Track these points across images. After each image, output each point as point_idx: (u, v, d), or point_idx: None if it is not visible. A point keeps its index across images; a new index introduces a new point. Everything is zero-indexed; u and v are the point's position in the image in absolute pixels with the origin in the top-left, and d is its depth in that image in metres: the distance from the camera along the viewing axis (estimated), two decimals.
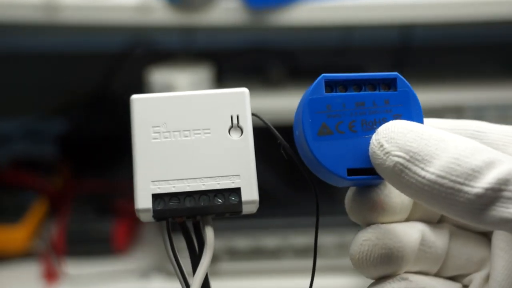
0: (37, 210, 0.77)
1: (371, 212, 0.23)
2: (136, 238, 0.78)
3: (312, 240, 0.27)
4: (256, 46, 0.88)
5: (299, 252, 0.70)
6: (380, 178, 0.22)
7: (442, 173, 0.20)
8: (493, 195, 0.20)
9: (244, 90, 0.25)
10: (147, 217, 0.24)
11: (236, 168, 0.24)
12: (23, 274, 0.71)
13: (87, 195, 0.80)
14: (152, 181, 0.23)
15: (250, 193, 0.24)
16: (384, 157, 0.21)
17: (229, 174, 0.24)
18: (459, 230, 0.25)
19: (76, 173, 0.86)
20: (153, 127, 0.23)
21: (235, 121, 0.24)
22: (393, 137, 0.21)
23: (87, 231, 0.73)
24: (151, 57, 0.73)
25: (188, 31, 0.83)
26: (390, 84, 0.23)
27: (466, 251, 0.25)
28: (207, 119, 0.24)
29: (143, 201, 0.23)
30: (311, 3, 0.64)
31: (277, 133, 0.25)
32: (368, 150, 0.22)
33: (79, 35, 0.91)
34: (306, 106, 0.23)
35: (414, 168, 0.21)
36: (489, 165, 0.20)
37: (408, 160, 0.21)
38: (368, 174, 0.22)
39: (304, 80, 0.75)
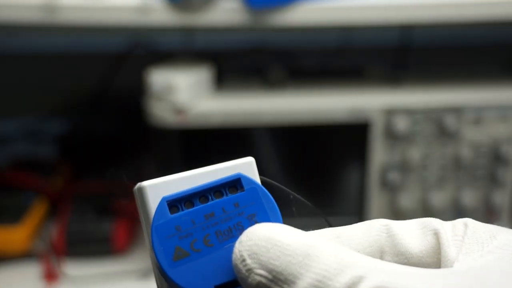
0: (37, 211, 0.77)
1: None
2: (136, 238, 0.78)
3: None
4: (256, 46, 0.88)
5: None
6: None
7: None
8: None
9: (250, 160, 0.24)
10: None
11: None
12: (23, 274, 0.71)
13: (87, 195, 0.80)
14: None
15: None
16: (247, 273, 0.21)
17: None
18: None
19: (76, 174, 0.86)
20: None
21: None
22: (255, 252, 0.21)
23: (87, 232, 0.73)
24: (151, 57, 0.73)
25: (188, 31, 0.83)
26: (236, 185, 0.23)
27: None
28: None
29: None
30: (311, 3, 0.63)
31: (288, 190, 0.24)
32: (231, 260, 0.21)
33: (79, 35, 0.91)
34: (154, 234, 0.22)
35: None
36: (351, 286, 0.19)
37: (271, 280, 0.20)
38: (237, 285, 0.22)
39: (304, 80, 0.75)
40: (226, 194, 0.23)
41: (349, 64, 0.82)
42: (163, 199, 0.22)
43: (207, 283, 0.21)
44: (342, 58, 0.88)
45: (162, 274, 0.22)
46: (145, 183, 0.23)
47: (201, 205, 0.22)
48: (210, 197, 0.23)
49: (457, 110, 0.69)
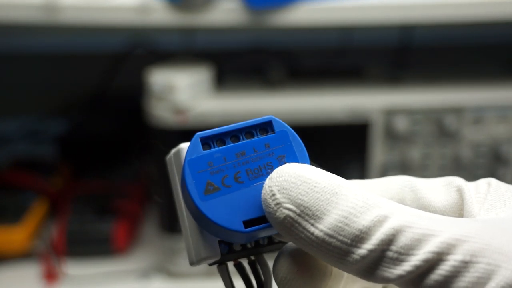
0: (37, 211, 0.77)
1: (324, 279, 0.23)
2: (136, 238, 0.78)
3: None
4: (256, 47, 0.88)
5: None
6: None
7: (330, 232, 0.20)
8: (377, 256, 0.20)
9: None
10: (205, 263, 0.24)
11: None
12: (23, 274, 0.71)
13: (87, 195, 0.80)
14: None
15: None
16: (275, 208, 0.21)
17: None
18: None
19: (76, 174, 0.86)
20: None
21: None
22: (285, 187, 0.21)
23: (87, 232, 0.73)
24: (151, 57, 0.73)
25: (188, 31, 0.83)
26: (266, 128, 0.23)
27: None
28: None
29: (207, 250, 0.23)
30: (311, 3, 0.63)
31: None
32: (259, 198, 0.22)
33: (79, 35, 0.91)
34: (186, 168, 0.22)
35: (304, 223, 0.21)
36: (376, 224, 0.20)
37: (298, 215, 0.21)
38: (265, 222, 0.22)
39: (304, 80, 0.75)
40: (257, 136, 0.23)
41: (349, 64, 0.82)
42: (197, 135, 0.22)
43: (236, 218, 0.22)
44: (342, 58, 0.88)
45: (191, 209, 0.22)
46: (183, 145, 0.24)
47: (233, 144, 0.23)
48: (241, 137, 0.23)
49: (457, 110, 0.69)
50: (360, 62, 0.81)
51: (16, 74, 0.96)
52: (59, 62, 0.96)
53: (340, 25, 0.65)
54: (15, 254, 0.73)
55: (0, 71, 0.94)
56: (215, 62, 0.72)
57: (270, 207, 0.21)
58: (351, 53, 0.89)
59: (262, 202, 0.22)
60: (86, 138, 0.91)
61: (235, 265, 0.25)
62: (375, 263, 0.20)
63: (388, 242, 0.20)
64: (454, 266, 0.19)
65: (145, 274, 0.71)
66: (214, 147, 0.23)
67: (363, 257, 0.20)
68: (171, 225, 0.71)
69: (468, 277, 0.19)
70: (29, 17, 0.63)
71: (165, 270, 0.72)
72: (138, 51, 0.87)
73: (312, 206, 0.21)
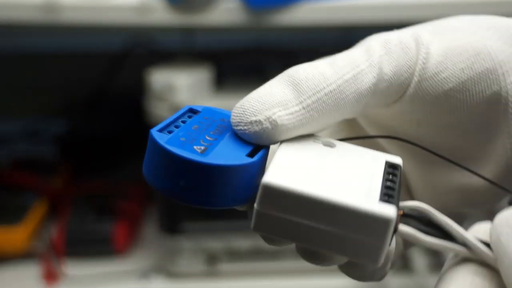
0: (37, 211, 0.77)
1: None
2: (136, 238, 0.78)
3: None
4: (256, 46, 0.88)
5: None
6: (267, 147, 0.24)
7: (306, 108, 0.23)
8: None
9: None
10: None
11: None
12: (23, 274, 0.71)
13: (87, 195, 0.80)
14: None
15: None
16: (252, 124, 0.23)
17: None
18: None
19: (76, 174, 0.86)
20: None
21: None
22: (246, 106, 0.23)
23: (87, 232, 0.73)
24: (151, 57, 0.73)
25: (188, 31, 0.83)
26: (191, 113, 0.26)
27: None
28: None
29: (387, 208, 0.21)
30: (311, 3, 0.63)
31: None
32: (240, 139, 0.23)
33: (79, 35, 0.91)
34: (169, 148, 0.22)
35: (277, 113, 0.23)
36: None
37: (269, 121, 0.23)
38: (260, 149, 0.23)
39: None
40: (191, 118, 0.25)
41: None
42: (151, 130, 0.23)
43: (239, 154, 0.23)
44: None
45: (198, 170, 0.22)
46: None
47: (185, 124, 0.24)
48: (185, 120, 0.25)
49: None
50: None
51: (16, 74, 0.96)
52: (59, 62, 0.96)
53: (340, 25, 0.65)
54: (15, 254, 0.73)
55: (0, 71, 0.94)
56: (215, 62, 0.72)
57: (244, 125, 0.23)
58: None
59: (236, 128, 0.23)
60: (86, 138, 0.91)
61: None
62: None
63: None
64: None
65: (145, 274, 0.71)
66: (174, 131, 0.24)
67: None
68: (171, 225, 0.71)
69: None
70: (29, 17, 0.63)
71: (165, 270, 0.72)
72: (138, 51, 0.87)
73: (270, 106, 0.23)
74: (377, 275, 0.25)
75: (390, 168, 0.24)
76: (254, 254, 0.71)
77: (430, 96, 0.25)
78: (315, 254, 0.23)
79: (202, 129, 0.24)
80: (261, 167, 0.23)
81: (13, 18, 0.63)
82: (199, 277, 0.71)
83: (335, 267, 0.25)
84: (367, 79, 0.24)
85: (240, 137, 0.23)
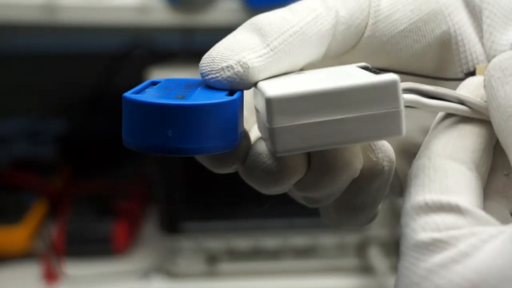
0: (37, 211, 0.77)
1: None
2: (136, 238, 0.78)
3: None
4: None
5: (299, 253, 0.70)
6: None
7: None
8: None
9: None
10: None
11: None
12: (23, 274, 0.71)
13: (87, 195, 0.80)
14: None
15: None
16: (224, 70, 0.23)
17: None
18: None
19: (76, 174, 0.86)
20: None
21: None
22: (214, 57, 0.24)
23: (87, 232, 0.73)
24: (151, 57, 0.73)
25: (188, 31, 0.83)
26: (154, 83, 0.26)
27: None
28: None
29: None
30: None
31: None
32: (212, 90, 0.24)
33: (79, 35, 0.91)
34: (148, 101, 0.22)
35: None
36: None
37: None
38: (234, 92, 0.23)
39: None
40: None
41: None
42: (124, 95, 0.23)
43: (219, 95, 0.23)
44: None
45: (185, 114, 0.22)
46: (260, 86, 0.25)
47: (153, 88, 0.25)
48: (152, 87, 0.25)
49: None
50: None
51: (16, 74, 0.96)
52: (59, 62, 0.96)
53: None
54: (15, 254, 0.73)
55: (0, 71, 0.94)
56: None
57: (222, 74, 0.23)
58: None
59: (214, 81, 0.23)
60: (86, 138, 0.91)
61: None
62: None
63: None
64: None
65: (145, 274, 0.71)
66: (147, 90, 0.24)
67: None
68: (171, 225, 0.71)
69: None
70: (29, 17, 0.63)
71: (165, 270, 0.72)
72: (138, 51, 0.87)
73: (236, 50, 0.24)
74: (370, 217, 0.27)
75: (361, 67, 0.25)
76: (254, 254, 0.71)
77: (386, 37, 0.26)
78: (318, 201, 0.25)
79: (172, 88, 0.24)
80: (241, 107, 0.24)
81: (13, 18, 0.63)
82: (199, 277, 0.71)
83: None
84: (326, 21, 0.25)
85: (212, 88, 0.24)
